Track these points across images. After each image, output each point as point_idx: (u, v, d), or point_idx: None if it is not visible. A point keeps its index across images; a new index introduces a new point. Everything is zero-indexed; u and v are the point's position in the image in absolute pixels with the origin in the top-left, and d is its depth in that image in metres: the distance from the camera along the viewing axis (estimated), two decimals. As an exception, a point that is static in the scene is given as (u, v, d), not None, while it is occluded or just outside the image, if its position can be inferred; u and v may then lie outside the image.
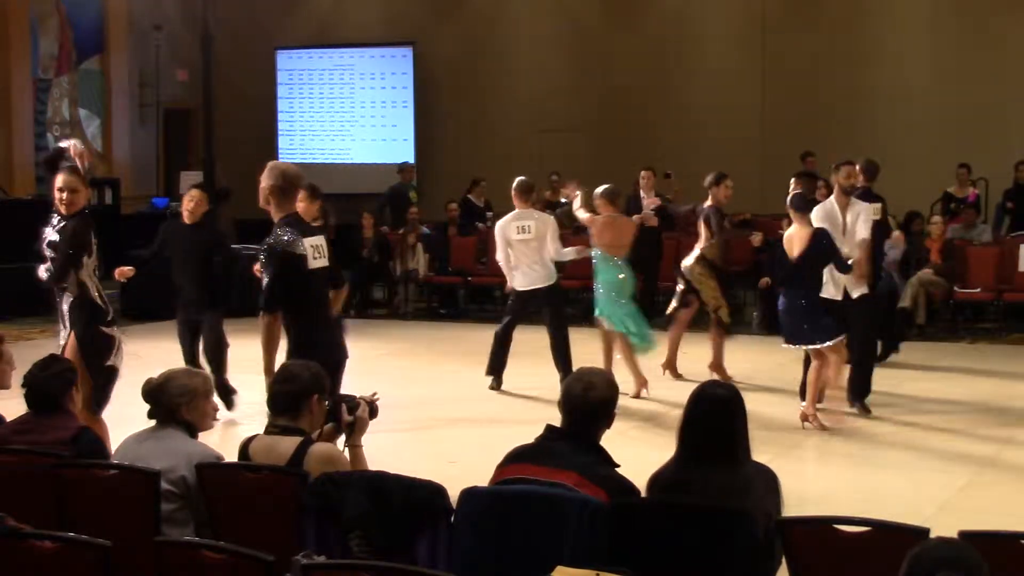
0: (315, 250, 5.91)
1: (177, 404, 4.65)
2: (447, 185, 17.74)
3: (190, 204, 9.19)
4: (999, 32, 16.92)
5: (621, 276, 9.95)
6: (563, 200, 16.33)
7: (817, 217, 8.71)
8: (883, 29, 17.55)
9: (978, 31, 16.96)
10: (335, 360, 5.80)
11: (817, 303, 8.48)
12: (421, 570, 3.72)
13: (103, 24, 19.28)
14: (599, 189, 10.14)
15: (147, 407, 4.71)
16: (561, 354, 9.83)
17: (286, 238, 5.84)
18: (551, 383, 9.28)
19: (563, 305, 10.60)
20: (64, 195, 6.54)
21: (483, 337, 10.88)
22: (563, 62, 19.38)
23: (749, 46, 18.27)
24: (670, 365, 10.53)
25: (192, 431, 4.70)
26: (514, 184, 10.13)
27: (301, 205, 7.92)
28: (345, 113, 20.79)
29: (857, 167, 9.26)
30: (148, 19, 19.61)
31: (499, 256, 10.04)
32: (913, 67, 17.22)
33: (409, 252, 15.51)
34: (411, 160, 18.69)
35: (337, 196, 19.78)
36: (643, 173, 13.36)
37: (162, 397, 4.65)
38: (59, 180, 6.56)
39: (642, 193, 13.30)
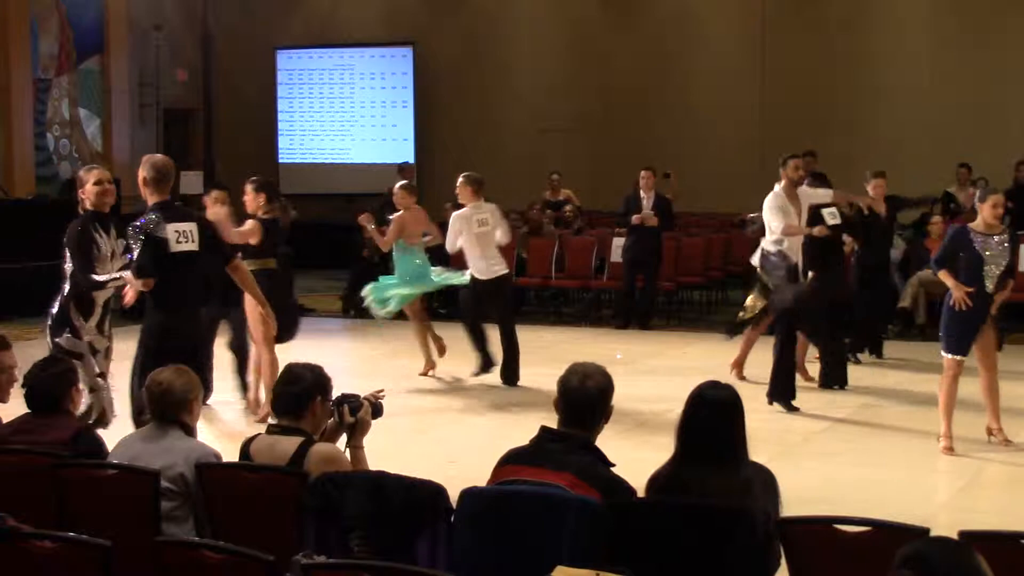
0: (180, 234, 6.34)
1: (183, 404, 4.66)
2: (447, 185, 17.71)
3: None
4: (999, 32, 16.94)
5: (417, 262, 10.40)
6: (563, 200, 16.37)
7: (771, 207, 9.08)
8: (883, 29, 17.57)
9: (978, 31, 16.97)
10: (189, 346, 6.14)
11: None
12: (421, 570, 3.72)
13: (103, 24, 19.27)
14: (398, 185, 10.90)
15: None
16: (510, 341, 10.06)
17: (150, 222, 6.28)
18: (551, 383, 9.28)
19: (512, 294, 10.76)
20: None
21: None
22: (563, 62, 19.39)
23: (749, 46, 18.28)
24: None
25: (189, 429, 4.71)
26: (466, 178, 10.27)
27: (247, 198, 8.92)
28: (345, 113, 20.80)
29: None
30: (148, 19, 19.60)
31: (450, 244, 10.19)
32: (913, 67, 17.23)
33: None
34: (411, 160, 18.69)
35: (337, 196, 19.91)
36: (643, 173, 13.37)
37: (169, 399, 4.65)
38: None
39: (642, 193, 13.30)
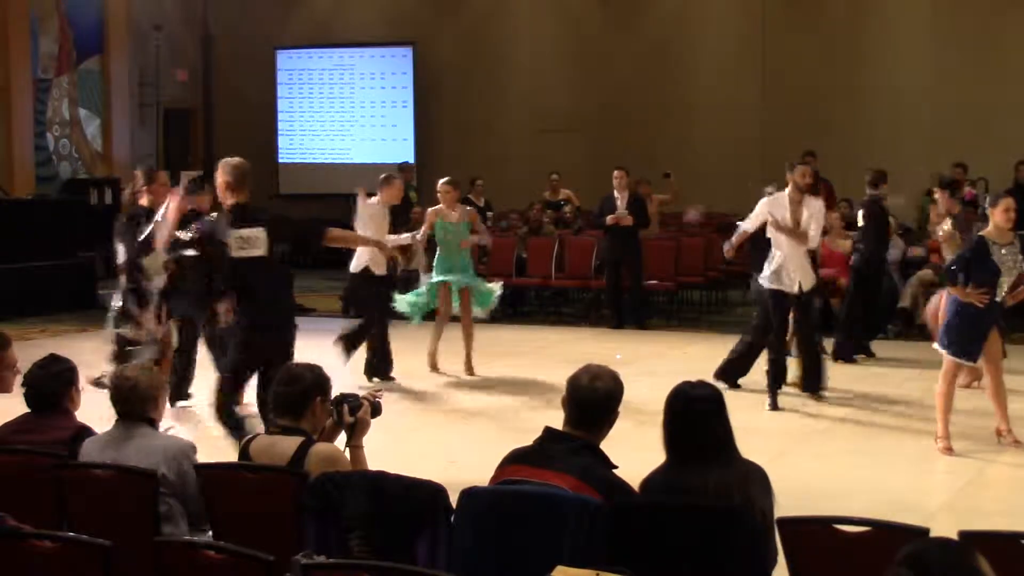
0: (243, 240, 6.38)
1: (149, 400, 4.65)
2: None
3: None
4: (999, 32, 16.94)
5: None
6: (562, 200, 16.36)
7: (763, 206, 9.05)
8: (883, 29, 17.57)
9: (978, 31, 16.97)
10: (281, 342, 6.28)
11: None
12: (421, 570, 3.72)
13: (103, 24, 19.28)
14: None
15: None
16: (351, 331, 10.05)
17: (214, 226, 6.46)
18: (551, 383, 9.29)
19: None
20: None
21: (484, 336, 10.89)
22: (563, 62, 19.39)
23: (749, 46, 18.28)
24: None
25: (155, 424, 4.71)
26: (383, 176, 10.57)
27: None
28: (345, 113, 20.80)
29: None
30: (148, 19, 19.61)
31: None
32: (913, 67, 17.23)
33: (411, 252, 15.48)
34: (411, 160, 18.69)
35: (337, 196, 19.90)
36: (616, 173, 13.34)
37: (136, 395, 4.64)
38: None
39: (616, 193, 13.27)
